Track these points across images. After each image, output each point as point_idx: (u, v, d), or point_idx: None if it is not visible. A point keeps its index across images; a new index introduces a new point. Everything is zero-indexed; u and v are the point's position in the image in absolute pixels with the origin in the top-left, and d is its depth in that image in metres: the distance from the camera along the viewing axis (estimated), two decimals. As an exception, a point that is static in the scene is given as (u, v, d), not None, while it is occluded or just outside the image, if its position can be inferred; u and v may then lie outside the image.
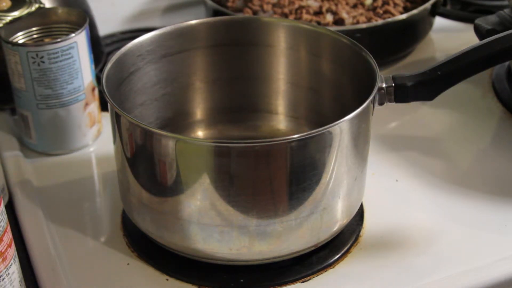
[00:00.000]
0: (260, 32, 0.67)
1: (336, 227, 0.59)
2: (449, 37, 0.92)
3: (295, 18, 0.85)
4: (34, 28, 0.73)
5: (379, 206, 0.65)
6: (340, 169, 0.56)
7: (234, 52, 0.68)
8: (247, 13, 0.86)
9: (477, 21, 0.74)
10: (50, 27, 0.73)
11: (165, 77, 0.67)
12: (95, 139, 0.75)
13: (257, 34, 0.67)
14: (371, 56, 0.59)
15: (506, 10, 0.74)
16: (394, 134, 0.76)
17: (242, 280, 0.58)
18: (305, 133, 0.52)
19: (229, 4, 0.89)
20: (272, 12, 0.86)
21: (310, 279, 0.58)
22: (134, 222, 0.61)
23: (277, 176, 0.54)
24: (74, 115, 0.72)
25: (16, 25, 0.71)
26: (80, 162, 0.73)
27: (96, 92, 0.74)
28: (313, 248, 0.59)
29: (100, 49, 0.87)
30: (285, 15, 0.85)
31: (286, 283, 0.58)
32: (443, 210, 0.65)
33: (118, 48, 0.62)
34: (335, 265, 0.59)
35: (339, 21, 0.84)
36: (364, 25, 0.81)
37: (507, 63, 0.81)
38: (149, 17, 1.01)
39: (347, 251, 0.61)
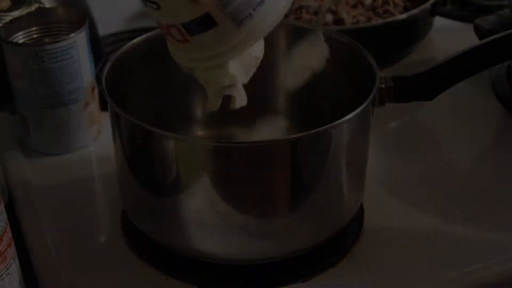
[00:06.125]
0: (260, 32, 0.67)
1: (336, 227, 0.59)
2: (449, 37, 0.92)
3: (295, 18, 0.85)
4: (34, 28, 0.73)
5: (379, 206, 0.65)
6: (340, 169, 0.55)
7: (234, 52, 0.68)
8: (247, 13, 0.86)
9: (477, 21, 0.74)
10: (50, 27, 0.73)
11: (164, 77, 0.67)
12: (95, 139, 0.75)
13: (257, 34, 0.67)
14: (371, 56, 0.59)
15: (506, 10, 0.74)
16: (394, 134, 0.76)
17: (242, 280, 0.58)
18: (305, 133, 0.52)
19: (229, 4, 0.89)
20: (272, 12, 0.86)
21: (310, 279, 0.58)
22: (134, 222, 0.60)
23: (277, 176, 0.54)
24: (74, 115, 0.72)
25: (16, 25, 0.71)
26: (80, 162, 0.73)
27: (96, 92, 0.74)
28: (313, 248, 0.59)
29: (100, 49, 0.86)
30: (285, 15, 0.85)
31: (286, 283, 0.58)
32: (443, 210, 0.65)
33: (118, 48, 0.62)
34: (335, 265, 0.59)
35: (339, 21, 0.84)
36: (364, 25, 0.81)
37: (507, 63, 0.81)
38: (149, 17, 1.00)
39: (347, 251, 0.61)
